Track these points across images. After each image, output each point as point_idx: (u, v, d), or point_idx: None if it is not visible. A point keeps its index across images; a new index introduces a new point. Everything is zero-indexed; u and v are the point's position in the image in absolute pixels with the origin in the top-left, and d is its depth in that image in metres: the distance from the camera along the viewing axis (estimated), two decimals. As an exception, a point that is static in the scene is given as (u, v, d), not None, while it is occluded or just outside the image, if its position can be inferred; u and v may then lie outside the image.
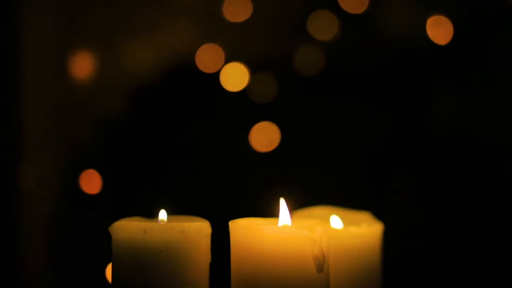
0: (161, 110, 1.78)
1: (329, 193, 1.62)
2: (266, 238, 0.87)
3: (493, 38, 1.65)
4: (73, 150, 1.84)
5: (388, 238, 1.05)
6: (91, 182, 1.76)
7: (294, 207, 1.08)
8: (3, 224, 1.77)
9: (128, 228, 0.90)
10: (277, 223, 0.93)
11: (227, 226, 0.91)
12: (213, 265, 0.94)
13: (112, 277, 0.93)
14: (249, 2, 1.75)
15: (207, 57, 1.75)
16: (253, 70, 1.72)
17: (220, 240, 0.94)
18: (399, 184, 1.69)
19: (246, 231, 0.89)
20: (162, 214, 0.96)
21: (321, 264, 0.88)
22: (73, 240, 1.77)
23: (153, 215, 0.97)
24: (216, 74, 1.73)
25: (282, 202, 0.93)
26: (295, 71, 1.73)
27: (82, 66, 1.84)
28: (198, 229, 0.91)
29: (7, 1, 1.78)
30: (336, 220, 1.03)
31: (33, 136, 1.81)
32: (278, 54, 1.76)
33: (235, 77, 1.73)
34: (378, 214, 1.06)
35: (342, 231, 1.00)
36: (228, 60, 1.73)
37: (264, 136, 1.70)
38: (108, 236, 0.92)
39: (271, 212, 0.95)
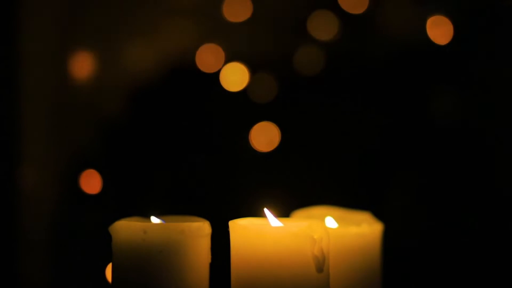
0: (161, 110, 1.78)
1: (329, 193, 1.62)
2: (266, 238, 0.87)
3: (493, 38, 1.65)
4: (73, 150, 1.84)
5: (388, 238, 1.05)
6: (91, 182, 1.76)
7: (293, 207, 1.08)
8: (3, 224, 1.77)
9: (128, 228, 0.90)
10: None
11: (227, 226, 0.91)
12: (213, 265, 0.94)
13: (112, 277, 0.93)
14: (249, 2, 1.75)
15: (207, 57, 1.75)
16: (253, 70, 1.72)
17: (220, 240, 0.94)
18: (399, 184, 1.69)
19: (246, 231, 0.89)
20: (154, 220, 0.96)
21: (321, 264, 0.88)
22: (73, 240, 1.77)
23: (153, 215, 0.97)
24: (216, 74, 1.73)
25: (267, 211, 0.93)
26: (295, 71, 1.73)
27: (82, 66, 1.84)
28: (198, 229, 0.91)
29: (7, 1, 1.78)
30: (331, 222, 1.03)
31: (33, 136, 1.81)
32: (278, 54, 1.76)
33: (235, 77, 1.73)
34: (378, 214, 1.06)
35: (342, 231, 1.00)
36: (228, 60, 1.73)
37: (264, 136, 1.70)
38: (108, 236, 0.92)
39: (271, 210, 0.95)
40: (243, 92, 1.72)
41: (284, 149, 1.69)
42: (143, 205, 1.66)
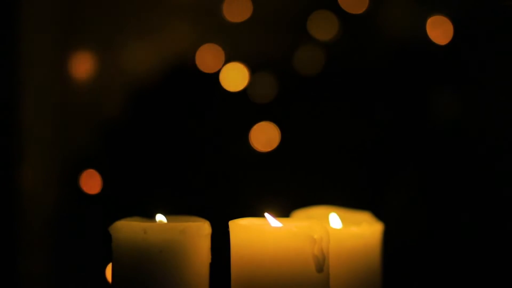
0: (161, 110, 1.78)
1: (329, 193, 1.62)
2: (266, 238, 0.87)
3: (493, 38, 1.65)
4: (73, 150, 1.84)
5: (388, 238, 1.05)
6: (91, 182, 1.76)
7: (293, 207, 1.08)
8: (3, 224, 1.77)
9: (128, 228, 0.90)
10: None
11: (227, 226, 0.91)
12: (213, 265, 0.94)
13: (112, 277, 0.93)
14: (249, 2, 1.75)
15: (207, 57, 1.75)
16: (253, 70, 1.72)
17: (220, 240, 0.94)
18: (399, 184, 1.69)
19: (246, 231, 0.89)
20: (160, 217, 0.96)
21: (321, 264, 0.88)
22: (73, 240, 1.77)
23: (153, 215, 0.97)
24: (216, 74, 1.73)
25: (268, 216, 0.93)
26: (295, 71, 1.73)
27: (82, 66, 1.84)
28: (198, 229, 0.91)
29: (7, 1, 1.78)
30: (334, 218, 1.03)
31: (33, 137, 1.81)
32: (278, 54, 1.76)
33: (235, 77, 1.73)
34: (378, 214, 1.06)
35: (342, 231, 1.00)
36: (228, 60, 1.73)
37: (264, 136, 1.70)
38: (108, 236, 0.92)
39: (271, 212, 0.95)
40: (243, 92, 1.72)
41: (284, 149, 1.69)
42: (143, 205, 1.66)
